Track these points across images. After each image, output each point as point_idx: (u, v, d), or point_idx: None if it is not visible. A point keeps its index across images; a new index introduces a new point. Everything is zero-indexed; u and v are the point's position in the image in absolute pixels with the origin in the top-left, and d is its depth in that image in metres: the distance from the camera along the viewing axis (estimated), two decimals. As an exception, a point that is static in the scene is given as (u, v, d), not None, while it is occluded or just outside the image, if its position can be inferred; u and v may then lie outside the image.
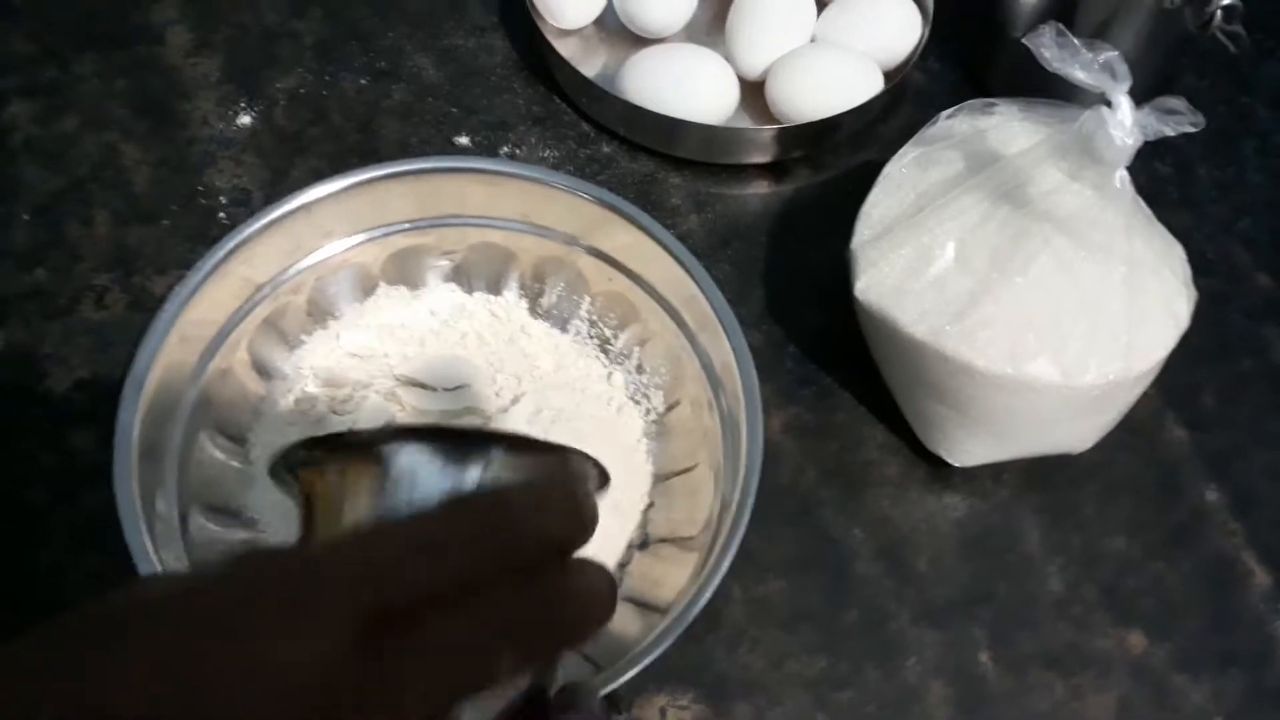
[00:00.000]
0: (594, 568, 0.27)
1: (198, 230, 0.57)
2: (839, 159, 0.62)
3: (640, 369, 0.52)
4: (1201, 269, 0.59)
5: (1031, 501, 0.53)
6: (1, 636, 0.48)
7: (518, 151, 0.61)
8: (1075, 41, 0.45)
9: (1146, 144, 0.62)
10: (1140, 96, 0.63)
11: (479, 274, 0.54)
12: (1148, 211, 0.51)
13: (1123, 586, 0.51)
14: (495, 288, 0.54)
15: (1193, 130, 0.44)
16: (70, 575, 0.48)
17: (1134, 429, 0.54)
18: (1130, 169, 0.47)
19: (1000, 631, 0.50)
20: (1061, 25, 0.45)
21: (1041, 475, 0.53)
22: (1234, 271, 0.60)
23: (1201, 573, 0.52)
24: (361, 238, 0.52)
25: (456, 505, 0.27)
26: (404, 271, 0.53)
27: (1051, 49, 0.45)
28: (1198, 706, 0.49)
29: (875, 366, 0.53)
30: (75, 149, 0.59)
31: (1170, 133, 0.45)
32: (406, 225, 0.52)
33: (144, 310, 0.54)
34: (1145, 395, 0.53)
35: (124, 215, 0.57)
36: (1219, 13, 0.54)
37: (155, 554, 0.42)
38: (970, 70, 0.65)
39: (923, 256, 0.49)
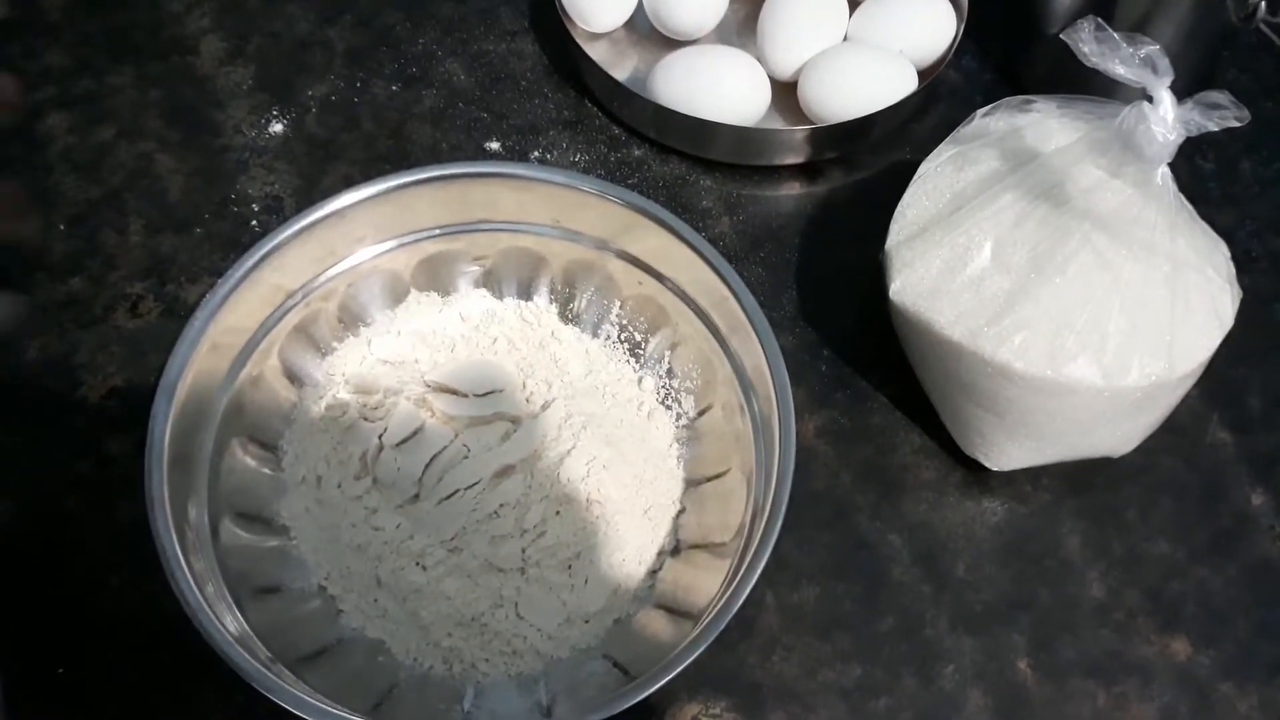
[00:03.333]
0: None
1: (230, 238, 0.57)
2: (872, 159, 0.61)
3: (671, 373, 0.52)
4: (1246, 266, 0.58)
5: (1071, 506, 0.52)
6: (40, 644, 0.49)
7: (548, 156, 0.61)
8: (1115, 36, 0.44)
9: (1188, 140, 0.61)
10: (1181, 91, 0.62)
11: (509, 279, 0.54)
12: (1190, 209, 0.50)
13: (1166, 592, 0.50)
14: (526, 293, 0.54)
15: (1237, 125, 0.43)
16: (105, 582, 0.48)
17: (1177, 431, 0.53)
18: (1171, 165, 0.46)
19: (1040, 638, 0.49)
20: (1100, 19, 0.44)
21: (1082, 479, 0.52)
22: (1279, 268, 0.59)
23: (1247, 578, 0.51)
24: (392, 244, 0.52)
25: None
26: (435, 277, 0.53)
27: (1090, 44, 0.44)
28: (1244, 716, 0.48)
29: (911, 369, 0.52)
30: (111, 158, 0.60)
31: (1214, 128, 0.44)
32: (437, 231, 0.52)
33: (177, 318, 0.55)
34: (1188, 397, 0.52)
35: (158, 224, 0.58)
36: (1263, 5, 0.53)
37: (186, 562, 0.42)
38: (1005, 68, 0.65)
39: (959, 257, 0.48)
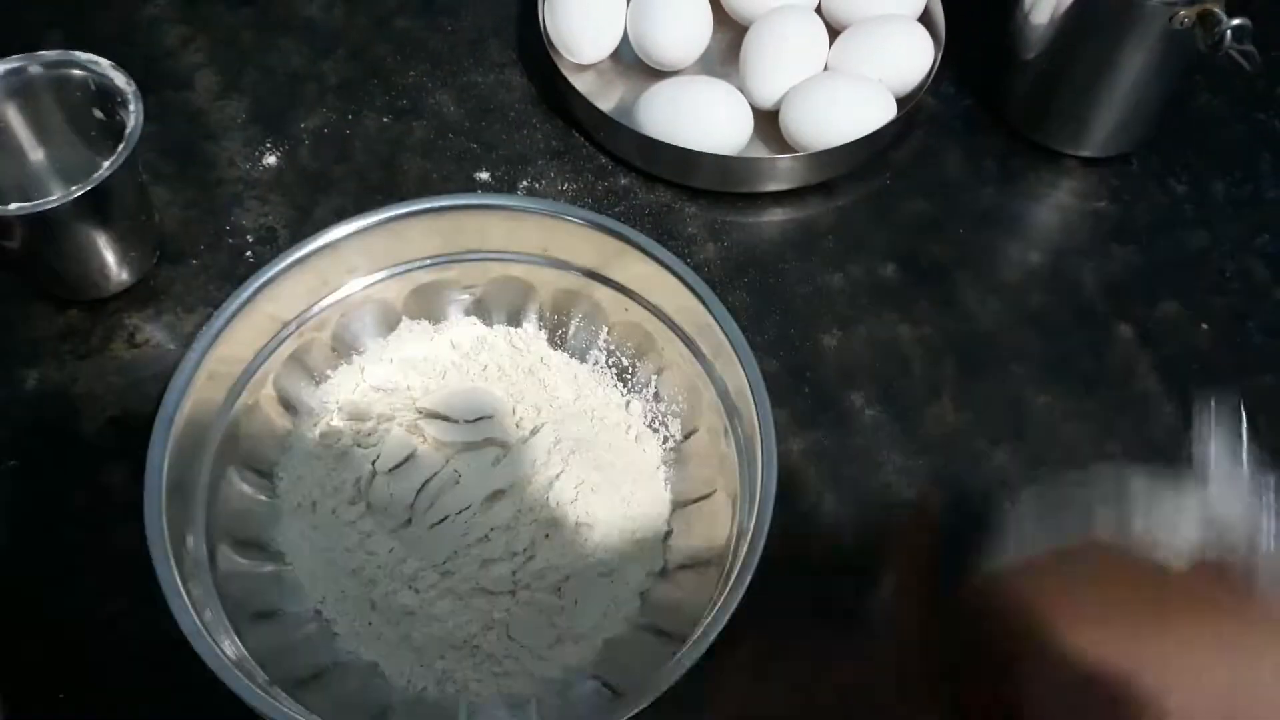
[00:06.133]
0: None
1: (226, 269, 0.59)
2: (853, 185, 0.62)
3: (658, 397, 0.53)
4: (1220, 287, 0.60)
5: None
6: (41, 670, 0.50)
7: (537, 185, 0.62)
8: None
9: (1161, 161, 0.62)
10: (1153, 114, 0.63)
11: (499, 307, 0.55)
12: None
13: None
14: (515, 320, 0.55)
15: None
16: (105, 609, 0.49)
17: (1153, 448, 0.54)
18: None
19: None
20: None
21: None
22: (1253, 288, 0.60)
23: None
24: (384, 274, 0.53)
25: None
26: (426, 306, 0.54)
27: None
28: None
29: (890, 390, 0.53)
30: (107, 192, 0.61)
31: None
32: (428, 261, 0.53)
33: (174, 348, 0.56)
34: (1164, 413, 0.53)
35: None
36: (1229, 32, 0.55)
37: (185, 589, 0.43)
38: (983, 95, 0.66)
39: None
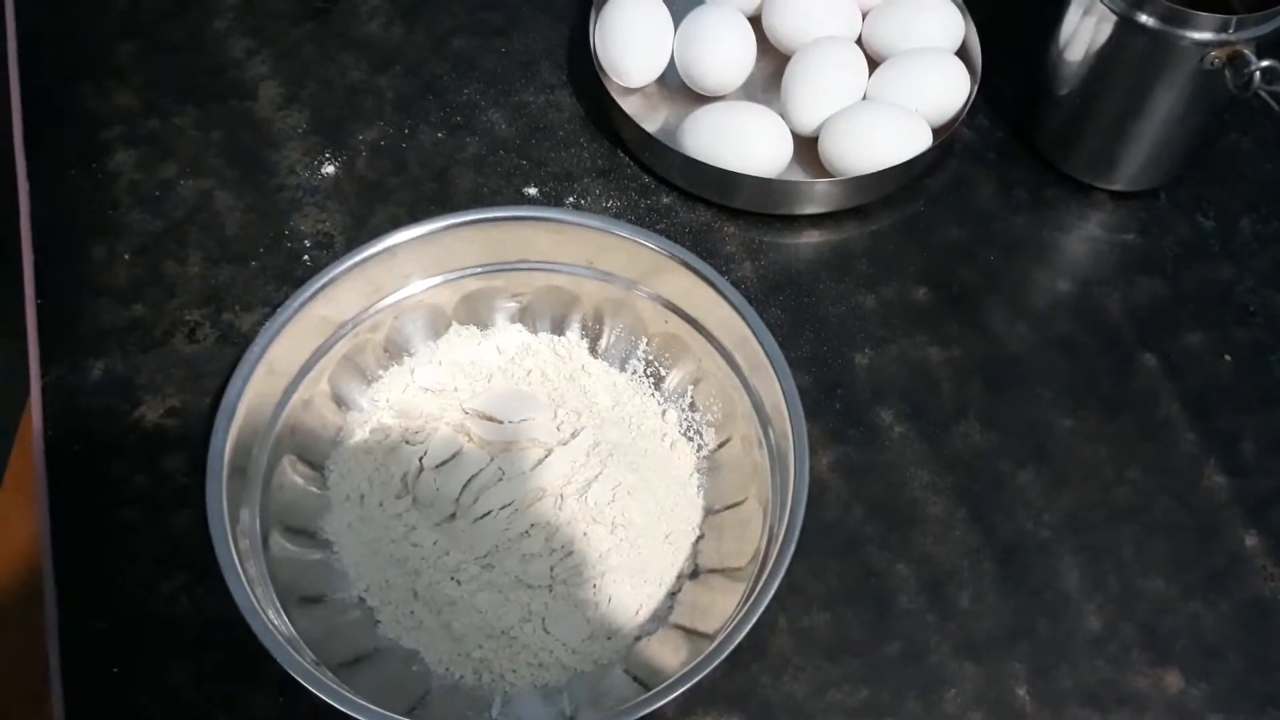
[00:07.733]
0: None
1: (283, 271, 0.61)
2: (888, 211, 0.64)
3: (693, 407, 0.55)
4: (1244, 320, 0.61)
5: (1070, 542, 0.55)
6: (96, 645, 0.52)
7: (582, 201, 0.65)
8: None
9: (1188, 196, 0.64)
10: (1183, 152, 0.65)
11: (544, 315, 0.57)
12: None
13: (1160, 627, 0.53)
14: (559, 328, 0.57)
15: None
16: (159, 588, 0.51)
17: (1174, 474, 0.56)
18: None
19: (1038, 667, 0.51)
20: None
21: (1081, 517, 0.55)
22: (1276, 323, 0.61)
23: (1239, 615, 0.53)
24: (436, 280, 0.55)
25: None
26: (474, 312, 0.57)
27: None
28: (1234, 747, 0.50)
29: (919, 409, 0.55)
30: (173, 194, 0.64)
31: None
32: (478, 269, 0.56)
33: (232, 344, 0.58)
34: (1186, 441, 0.55)
35: (216, 256, 0.62)
36: (1258, 74, 0.56)
37: (241, 568, 0.45)
38: (1017, 127, 0.68)
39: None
